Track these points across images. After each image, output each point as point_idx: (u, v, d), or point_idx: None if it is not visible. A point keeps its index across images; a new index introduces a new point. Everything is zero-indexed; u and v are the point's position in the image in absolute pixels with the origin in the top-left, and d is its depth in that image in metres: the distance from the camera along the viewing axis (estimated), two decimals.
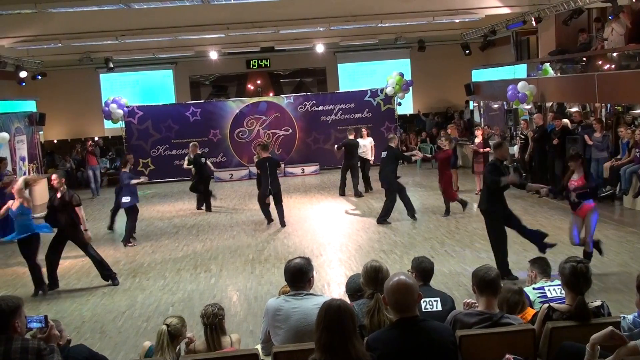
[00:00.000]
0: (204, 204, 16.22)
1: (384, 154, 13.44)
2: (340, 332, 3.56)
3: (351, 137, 16.88)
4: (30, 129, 19.73)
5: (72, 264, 11.78)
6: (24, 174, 18.26)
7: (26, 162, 18.59)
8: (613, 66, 14.55)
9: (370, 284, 4.70)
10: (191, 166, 16.00)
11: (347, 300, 5.30)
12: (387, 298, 3.84)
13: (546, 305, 4.48)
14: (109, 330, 8.20)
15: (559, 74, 16.61)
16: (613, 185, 13.40)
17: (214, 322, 5.20)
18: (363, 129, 17.80)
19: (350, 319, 3.63)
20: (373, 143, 17.49)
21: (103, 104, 21.87)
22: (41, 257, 10.10)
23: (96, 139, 24.26)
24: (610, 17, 15.29)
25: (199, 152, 16.08)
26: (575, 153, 9.66)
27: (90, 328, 8.32)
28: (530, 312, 4.92)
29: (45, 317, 4.26)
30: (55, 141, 25.37)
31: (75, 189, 20.71)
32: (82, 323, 8.53)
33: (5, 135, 16.03)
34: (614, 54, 14.67)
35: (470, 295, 5.09)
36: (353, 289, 5.23)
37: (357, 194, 16.73)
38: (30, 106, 20.84)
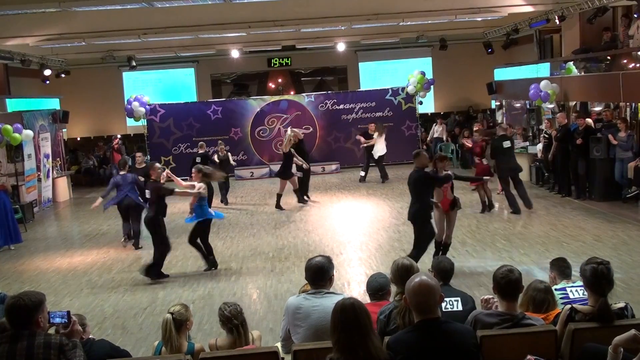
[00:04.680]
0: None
1: None
2: (358, 330, 3.55)
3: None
4: (54, 126, 19.93)
5: (94, 260, 11.92)
6: (48, 171, 18.48)
7: (50, 159, 18.76)
8: (638, 65, 14.36)
9: (401, 283, 4.61)
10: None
11: (368, 299, 5.31)
12: (408, 299, 3.78)
13: (568, 306, 4.42)
14: (130, 326, 8.27)
15: (582, 73, 16.41)
16: (638, 185, 13.23)
17: (242, 319, 5.03)
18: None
19: (367, 316, 3.62)
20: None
21: (125, 102, 22.01)
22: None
23: (118, 136, 24.43)
24: (635, 15, 15.09)
25: (201, 151, 16.39)
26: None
27: (112, 324, 8.39)
28: (552, 313, 4.87)
29: (68, 312, 4.29)
30: (78, 139, 25.55)
31: (97, 186, 21.08)
32: (103, 319, 8.61)
33: (30, 132, 16.16)
34: (639, 53, 14.49)
35: (487, 295, 5.04)
36: (375, 288, 5.20)
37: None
38: (54, 104, 21.11)
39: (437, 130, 21.90)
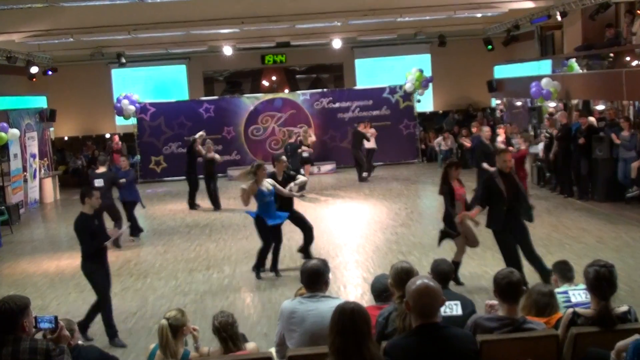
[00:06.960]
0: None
1: None
2: (354, 335, 3.54)
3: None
4: (41, 125, 19.74)
5: None
6: (34, 171, 18.20)
7: (37, 159, 18.58)
8: None
9: (401, 287, 4.48)
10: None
11: (373, 300, 5.32)
12: (411, 302, 3.70)
13: (571, 310, 4.42)
14: (120, 331, 8.08)
15: (585, 70, 16.30)
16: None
17: (233, 331, 4.87)
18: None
19: (365, 322, 3.60)
20: None
21: (115, 100, 21.84)
22: None
23: (107, 135, 24.12)
24: (639, 11, 14.91)
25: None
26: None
27: (101, 329, 8.14)
28: (554, 317, 4.81)
29: (56, 317, 4.21)
30: (66, 138, 25.26)
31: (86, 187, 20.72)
32: (92, 324, 8.31)
33: (16, 131, 16.10)
34: None
35: (491, 299, 4.98)
36: (379, 289, 5.16)
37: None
38: (40, 102, 20.81)
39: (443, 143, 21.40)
